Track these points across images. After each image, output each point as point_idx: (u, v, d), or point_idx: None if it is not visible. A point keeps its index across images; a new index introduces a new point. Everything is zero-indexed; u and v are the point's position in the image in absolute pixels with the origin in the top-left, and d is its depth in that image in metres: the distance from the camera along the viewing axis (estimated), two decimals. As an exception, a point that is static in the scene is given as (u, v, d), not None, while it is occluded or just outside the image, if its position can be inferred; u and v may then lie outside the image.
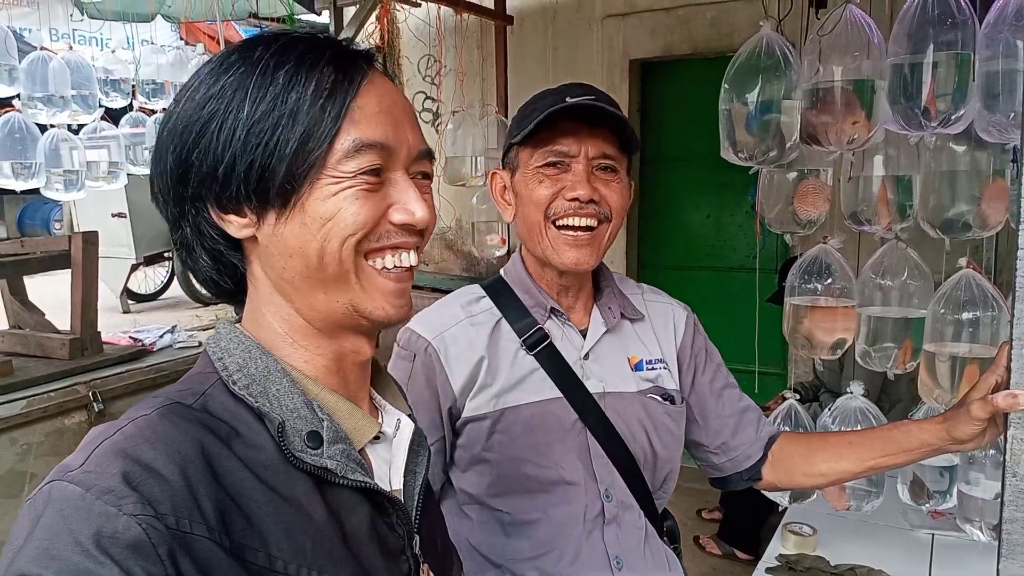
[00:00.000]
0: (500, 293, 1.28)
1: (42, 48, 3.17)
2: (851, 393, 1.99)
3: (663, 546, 1.30)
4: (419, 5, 4.93)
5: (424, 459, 0.79)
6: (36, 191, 3.11)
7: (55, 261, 2.84)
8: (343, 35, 4.81)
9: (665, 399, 1.28)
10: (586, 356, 1.24)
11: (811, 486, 1.37)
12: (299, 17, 5.34)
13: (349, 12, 5.00)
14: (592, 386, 1.22)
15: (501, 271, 1.33)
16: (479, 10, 3.93)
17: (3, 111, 3.09)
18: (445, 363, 1.21)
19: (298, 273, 0.68)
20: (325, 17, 5.27)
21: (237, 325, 0.73)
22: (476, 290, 1.31)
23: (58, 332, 2.86)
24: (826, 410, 2.06)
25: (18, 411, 2.32)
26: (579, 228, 1.18)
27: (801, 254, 1.95)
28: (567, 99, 1.16)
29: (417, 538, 0.75)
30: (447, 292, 4.61)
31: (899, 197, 1.86)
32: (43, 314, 2.90)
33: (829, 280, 1.96)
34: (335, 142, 0.66)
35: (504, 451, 1.20)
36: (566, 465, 1.20)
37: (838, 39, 1.75)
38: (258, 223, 0.68)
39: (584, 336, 1.26)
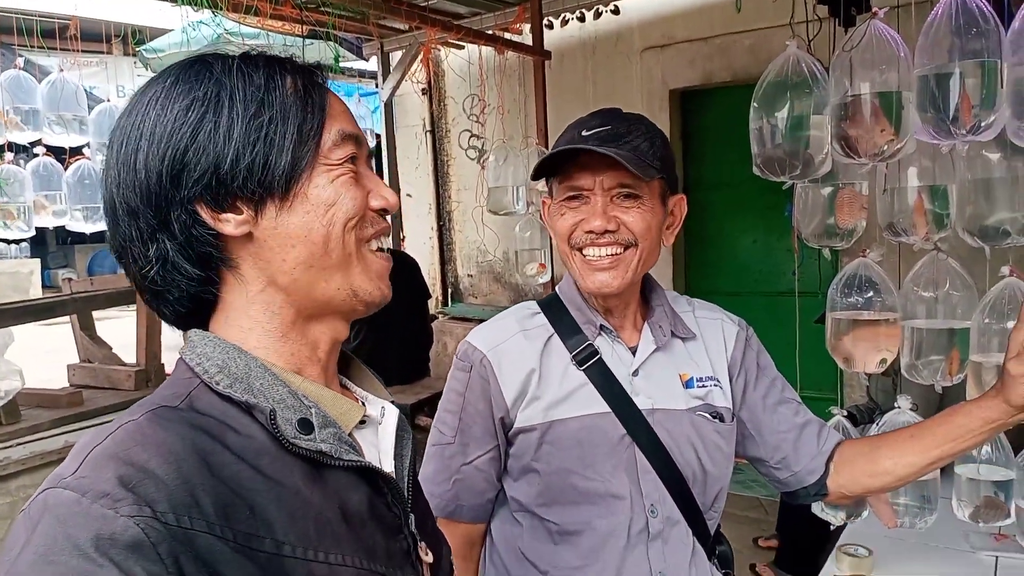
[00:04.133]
0: (554, 309, 1.30)
1: (109, 100, 3.39)
2: (899, 408, 1.96)
3: (711, 568, 1.29)
4: (462, 47, 5.10)
5: (409, 443, 0.81)
6: (104, 239, 3.29)
7: (122, 297, 3.00)
8: (390, 79, 5.00)
9: (714, 417, 1.27)
10: (635, 373, 1.26)
11: (879, 487, 1.33)
12: (346, 65, 5.56)
13: (395, 57, 5.20)
14: (641, 402, 1.23)
15: (556, 288, 1.36)
16: (518, 47, 4.05)
17: (75, 159, 3.31)
18: (498, 374, 1.24)
19: (301, 262, 0.70)
20: (373, 63, 5.49)
21: (208, 332, 0.72)
22: (532, 306, 1.34)
23: (124, 365, 3.00)
24: (873, 426, 2.02)
25: (87, 439, 2.45)
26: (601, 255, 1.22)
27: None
28: (583, 132, 1.20)
29: (412, 516, 0.76)
30: (494, 323, 4.60)
31: (935, 207, 1.86)
32: (110, 348, 3.06)
33: (870, 293, 1.95)
34: (323, 133, 0.71)
35: (552, 462, 1.22)
36: (613, 479, 1.21)
37: (864, 53, 1.77)
38: (255, 218, 0.69)
39: (634, 353, 1.27)
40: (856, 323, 1.97)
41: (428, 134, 5.91)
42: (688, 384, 1.28)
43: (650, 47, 4.71)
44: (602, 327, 1.27)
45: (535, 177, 1.29)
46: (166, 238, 0.68)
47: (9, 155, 3.12)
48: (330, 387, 0.75)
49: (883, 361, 1.97)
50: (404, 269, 3.83)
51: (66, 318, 3.08)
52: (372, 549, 0.69)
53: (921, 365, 1.91)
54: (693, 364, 1.30)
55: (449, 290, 5.99)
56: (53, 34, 3.50)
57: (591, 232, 1.19)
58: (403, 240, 5.68)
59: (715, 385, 1.30)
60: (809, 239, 2.10)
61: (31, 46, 3.41)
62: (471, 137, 5.60)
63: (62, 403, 2.64)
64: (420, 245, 5.99)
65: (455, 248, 5.97)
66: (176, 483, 0.57)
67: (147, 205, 0.67)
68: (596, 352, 1.25)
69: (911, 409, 1.93)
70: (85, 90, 3.42)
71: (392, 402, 0.82)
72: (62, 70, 3.23)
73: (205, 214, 0.68)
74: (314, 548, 0.64)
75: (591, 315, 1.27)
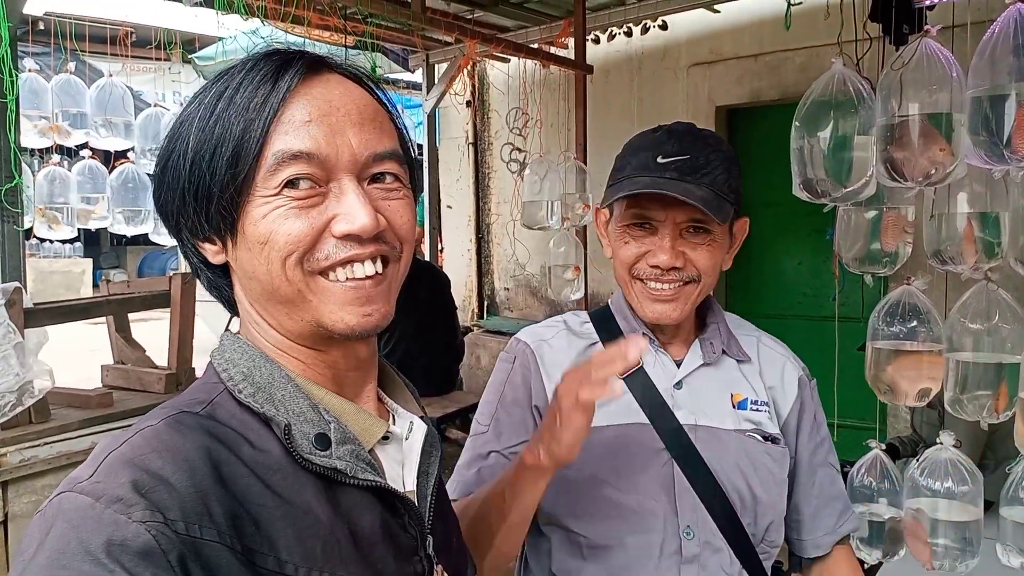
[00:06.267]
0: (602, 318, 1.29)
1: (156, 105, 3.45)
2: (941, 444, 1.87)
3: None
4: (507, 60, 5.11)
5: (436, 460, 0.79)
6: (154, 242, 3.35)
7: (156, 300, 3.03)
8: (433, 91, 5.02)
9: (766, 439, 1.21)
10: (678, 386, 1.20)
11: None
12: (394, 77, 5.61)
13: (441, 69, 5.23)
14: (683, 417, 1.17)
15: (609, 300, 1.33)
16: (560, 61, 4.03)
17: (119, 163, 3.38)
18: (540, 364, 1.23)
19: (260, 294, 0.69)
20: (419, 76, 5.53)
21: (239, 335, 0.73)
22: (583, 314, 1.33)
23: (156, 368, 3.03)
24: (913, 462, 1.93)
25: (115, 440, 2.47)
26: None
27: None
28: (659, 159, 1.13)
29: (430, 538, 0.74)
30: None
31: (986, 234, 1.77)
32: (144, 350, 3.09)
33: (914, 323, 1.86)
34: (260, 159, 0.65)
35: (584, 469, 1.15)
36: (647, 493, 1.15)
37: (914, 73, 1.69)
38: (224, 249, 0.69)
39: (679, 366, 1.22)
40: (898, 353, 1.88)
41: (470, 146, 5.92)
42: (741, 405, 1.21)
43: (697, 63, 4.65)
44: (646, 336, 1.22)
45: (604, 204, 1.23)
46: (188, 255, 0.73)
47: (56, 157, 3.20)
48: (356, 400, 0.74)
49: (924, 394, 1.89)
50: (431, 281, 3.81)
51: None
52: (380, 573, 0.68)
53: (966, 400, 1.82)
54: (747, 386, 1.24)
55: (485, 302, 5.97)
56: (114, 40, 3.60)
57: (656, 267, 1.15)
58: (441, 252, 5.69)
59: (768, 412, 1.23)
60: (850, 264, 2.02)
61: (87, 51, 3.50)
62: (513, 150, 5.59)
63: (92, 404, 2.66)
64: (458, 257, 5.99)
65: (493, 261, 5.96)
66: (189, 491, 0.57)
67: (169, 231, 0.73)
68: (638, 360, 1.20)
69: (954, 446, 1.84)
70: (132, 94, 3.49)
71: (422, 417, 0.80)
72: (111, 75, 3.31)
73: (192, 242, 0.71)
74: (319, 568, 0.63)
75: (636, 324, 1.24)
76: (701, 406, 1.20)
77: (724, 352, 1.25)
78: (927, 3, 2.32)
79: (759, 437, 1.20)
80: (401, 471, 0.75)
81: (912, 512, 1.84)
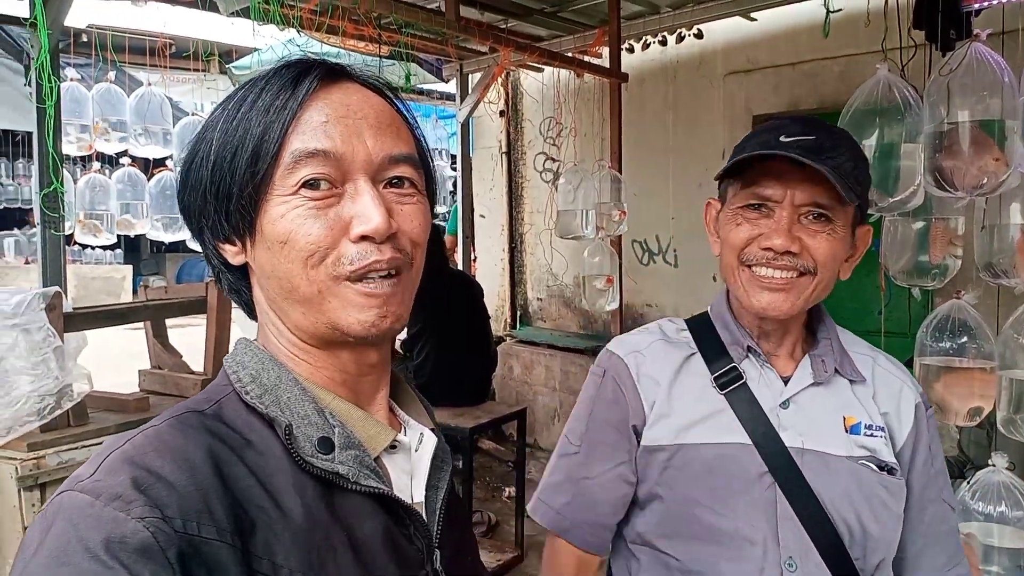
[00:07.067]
0: (700, 327, 1.21)
1: (194, 114, 3.50)
2: (994, 466, 1.80)
3: None
4: (541, 70, 5.09)
5: (447, 474, 0.78)
6: (192, 249, 3.38)
7: (193, 306, 3.06)
8: (467, 100, 5.03)
9: (881, 468, 1.11)
10: (784, 405, 1.12)
11: None
12: (428, 87, 5.63)
13: (474, 79, 5.23)
14: (789, 439, 1.09)
15: (709, 307, 1.25)
16: (595, 69, 4.00)
17: (158, 170, 3.43)
18: (636, 377, 1.16)
19: (278, 294, 0.69)
20: (452, 86, 5.54)
21: (254, 341, 0.74)
22: (679, 321, 1.25)
23: (192, 373, 3.06)
24: (964, 484, 1.86)
25: (149, 445, 2.49)
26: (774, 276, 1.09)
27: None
28: (782, 138, 1.07)
29: (438, 553, 0.72)
30: (563, 349, 4.55)
31: (1041, 247, 1.70)
32: (181, 356, 3.12)
33: (964, 339, 1.80)
34: (279, 158, 0.66)
35: (676, 488, 1.11)
36: (745, 519, 1.08)
37: (964, 78, 1.64)
38: (243, 250, 0.71)
39: (786, 383, 1.14)
40: (947, 370, 1.82)
41: (504, 155, 5.92)
42: (854, 430, 1.12)
43: (733, 72, 4.60)
44: (750, 348, 1.15)
45: (719, 177, 1.16)
46: (210, 257, 0.74)
47: (96, 165, 3.26)
48: (366, 408, 0.74)
49: (976, 413, 1.82)
50: (464, 290, 3.79)
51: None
52: None
53: (1020, 420, 1.75)
54: (861, 409, 1.14)
55: (518, 312, 5.95)
56: (154, 52, 3.67)
57: (769, 250, 1.07)
58: (474, 261, 5.68)
59: (884, 438, 1.14)
60: (896, 277, 1.96)
61: (127, 62, 3.56)
62: (546, 159, 5.57)
63: (129, 408, 2.70)
64: (491, 266, 5.98)
65: (526, 270, 5.93)
66: (188, 489, 0.58)
67: (192, 233, 0.75)
68: (741, 376, 1.13)
69: (1007, 468, 1.77)
70: (171, 103, 3.54)
71: (433, 430, 0.80)
72: (150, 84, 3.36)
73: (213, 243, 0.72)
74: (315, 575, 0.62)
75: (739, 335, 1.16)
76: (810, 428, 1.11)
77: (836, 371, 1.16)
78: (976, 6, 2.25)
79: (874, 466, 1.11)
80: (410, 482, 0.74)
81: (963, 537, 1.77)
